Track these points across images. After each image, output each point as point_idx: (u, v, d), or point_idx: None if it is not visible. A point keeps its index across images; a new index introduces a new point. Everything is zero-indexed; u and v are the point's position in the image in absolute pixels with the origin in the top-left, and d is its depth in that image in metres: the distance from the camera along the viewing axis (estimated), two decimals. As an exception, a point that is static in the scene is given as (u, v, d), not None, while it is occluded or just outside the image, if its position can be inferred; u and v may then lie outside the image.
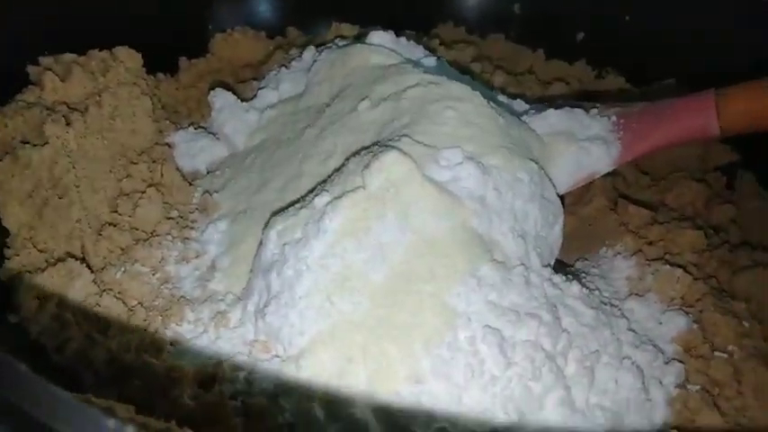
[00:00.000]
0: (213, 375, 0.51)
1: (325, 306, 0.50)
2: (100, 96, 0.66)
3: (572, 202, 0.73)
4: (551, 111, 0.64)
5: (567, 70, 0.90)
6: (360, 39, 0.73)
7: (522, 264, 0.54)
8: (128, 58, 0.70)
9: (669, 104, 0.62)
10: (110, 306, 0.54)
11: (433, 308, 0.50)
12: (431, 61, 0.68)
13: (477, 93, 0.59)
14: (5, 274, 0.55)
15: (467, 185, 0.54)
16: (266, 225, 0.56)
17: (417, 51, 0.69)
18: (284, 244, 0.53)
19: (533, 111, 0.66)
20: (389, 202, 0.51)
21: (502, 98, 0.70)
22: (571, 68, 0.91)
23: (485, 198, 0.54)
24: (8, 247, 0.57)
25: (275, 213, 0.57)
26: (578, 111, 0.64)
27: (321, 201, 0.53)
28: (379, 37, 0.69)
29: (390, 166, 0.51)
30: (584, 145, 0.62)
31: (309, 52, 0.74)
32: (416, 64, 0.65)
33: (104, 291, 0.55)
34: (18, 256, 0.56)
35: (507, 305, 0.51)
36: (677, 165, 0.77)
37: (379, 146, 0.54)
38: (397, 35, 0.72)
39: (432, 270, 0.50)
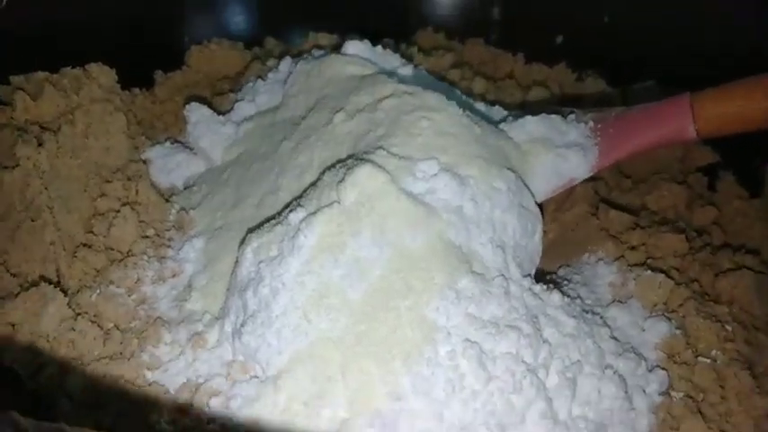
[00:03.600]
0: (191, 399, 0.50)
1: (303, 324, 0.49)
2: (73, 114, 0.65)
3: (554, 208, 0.73)
4: (529, 118, 0.63)
5: (548, 74, 0.90)
6: (337, 48, 0.72)
7: (502, 274, 0.53)
8: (101, 75, 0.70)
9: (645, 109, 0.61)
10: (85, 330, 0.53)
11: (412, 323, 0.49)
12: (407, 70, 0.67)
13: (453, 102, 0.58)
14: (-24, 301, 0.54)
15: (443, 197, 0.53)
16: (242, 242, 0.55)
17: (393, 60, 0.69)
18: (260, 262, 0.52)
19: (511, 118, 0.66)
20: (365, 216, 0.51)
21: (480, 105, 0.70)
22: (551, 72, 0.91)
23: (462, 209, 0.53)
24: (-20, 273, 0.56)
25: (252, 230, 0.56)
26: (555, 117, 0.64)
27: (296, 217, 0.52)
28: (354, 47, 0.68)
29: (364, 179, 0.51)
30: (561, 152, 0.62)
31: (286, 63, 0.73)
32: (392, 74, 0.65)
33: (79, 314, 0.54)
34: (-10, 282, 0.55)
35: (487, 317, 0.50)
36: (658, 167, 0.77)
37: (354, 159, 0.54)
38: (375, 43, 0.71)
39: (409, 284, 0.50)
